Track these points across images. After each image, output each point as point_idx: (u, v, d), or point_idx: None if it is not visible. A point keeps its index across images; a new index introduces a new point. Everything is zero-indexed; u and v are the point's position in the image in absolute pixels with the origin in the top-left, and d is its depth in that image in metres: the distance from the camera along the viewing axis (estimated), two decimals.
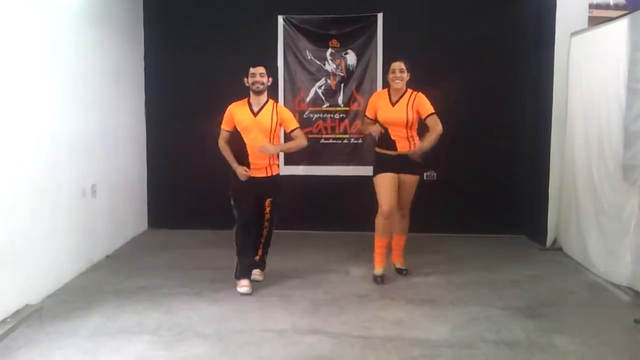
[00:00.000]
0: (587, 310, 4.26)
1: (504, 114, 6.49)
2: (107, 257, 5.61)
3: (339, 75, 6.69)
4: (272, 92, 6.47)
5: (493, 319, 4.05)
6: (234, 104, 4.77)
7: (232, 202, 4.73)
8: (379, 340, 3.69)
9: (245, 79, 4.70)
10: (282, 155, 6.59)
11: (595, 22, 5.79)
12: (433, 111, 4.76)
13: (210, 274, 5.05)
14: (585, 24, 5.76)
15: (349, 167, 6.73)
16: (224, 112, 4.80)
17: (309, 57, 6.69)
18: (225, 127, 4.76)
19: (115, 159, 5.89)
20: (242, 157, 4.69)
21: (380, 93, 5.11)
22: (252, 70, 4.69)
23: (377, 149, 4.96)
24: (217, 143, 4.77)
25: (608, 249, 4.84)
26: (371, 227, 6.10)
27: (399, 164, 4.81)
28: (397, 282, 4.89)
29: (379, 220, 4.89)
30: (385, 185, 4.83)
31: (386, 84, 6.24)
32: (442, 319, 4.06)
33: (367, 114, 5.00)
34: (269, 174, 4.73)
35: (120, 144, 6.05)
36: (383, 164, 4.89)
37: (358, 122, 6.69)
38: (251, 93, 4.72)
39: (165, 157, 6.77)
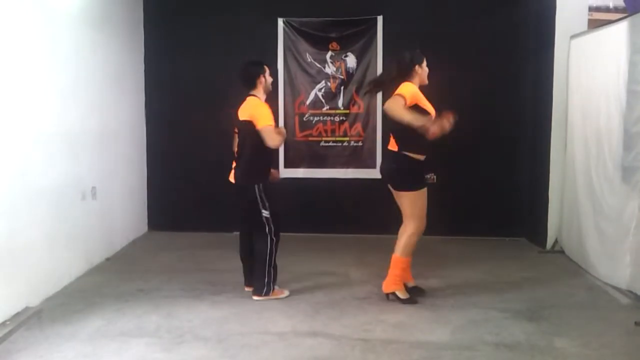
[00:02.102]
0: (587, 313, 4.25)
1: (504, 116, 6.50)
2: (107, 259, 5.60)
3: (339, 77, 6.69)
4: (272, 94, 6.47)
5: (493, 321, 4.05)
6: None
7: (268, 211, 4.40)
8: (379, 343, 3.69)
9: (263, 77, 4.48)
10: (282, 157, 6.62)
11: (595, 24, 5.79)
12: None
13: (210, 276, 5.05)
14: (585, 27, 5.76)
15: (349, 170, 6.73)
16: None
17: (309, 60, 6.70)
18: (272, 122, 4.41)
19: (115, 161, 5.90)
20: (271, 162, 4.59)
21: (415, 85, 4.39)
22: (268, 70, 4.56)
23: (413, 155, 4.28)
24: (277, 141, 4.42)
25: (608, 252, 4.83)
26: (371, 229, 6.13)
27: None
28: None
29: (415, 240, 4.37)
30: (426, 199, 4.38)
31: (387, 86, 6.22)
32: (442, 321, 4.06)
33: (409, 102, 4.15)
34: None
35: (120, 146, 6.05)
36: (422, 174, 4.37)
37: (358, 125, 6.70)
38: (263, 93, 4.53)
39: (165, 159, 6.77)
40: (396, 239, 4.45)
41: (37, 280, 4.32)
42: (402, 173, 4.34)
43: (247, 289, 4.64)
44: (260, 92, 4.53)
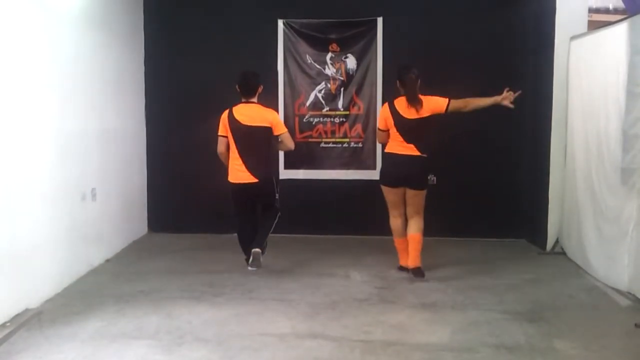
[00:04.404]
0: (588, 315, 4.26)
1: (504, 117, 6.44)
2: (107, 261, 5.60)
3: (339, 79, 6.69)
4: (272, 96, 6.51)
5: (493, 323, 4.05)
6: None
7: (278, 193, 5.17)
8: (379, 345, 3.69)
9: (261, 87, 5.05)
10: (282, 158, 6.63)
11: (594, 26, 5.80)
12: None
13: (210, 278, 5.05)
14: (584, 28, 5.76)
15: (349, 171, 6.73)
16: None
17: (309, 61, 6.70)
18: None
19: (115, 162, 5.89)
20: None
21: None
22: None
23: (427, 157, 5.03)
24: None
25: (607, 253, 4.83)
26: (371, 230, 6.14)
27: None
28: (398, 286, 4.88)
29: None
30: None
31: (387, 88, 6.26)
32: (443, 323, 4.06)
33: None
34: None
35: (120, 147, 6.05)
36: None
37: (358, 126, 6.71)
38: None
39: (165, 161, 6.77)
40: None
41: (37, 281, 4.32)
42: (426, 174, 4.98)
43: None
44: (256, 100, 5.02)
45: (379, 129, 5.18)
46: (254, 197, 5.07)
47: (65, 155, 4.80)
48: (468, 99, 4.97)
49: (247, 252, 4.98)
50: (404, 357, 3.51)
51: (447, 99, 4.91)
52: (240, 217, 5.12)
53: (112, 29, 5.85)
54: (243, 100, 5.01)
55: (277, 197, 5.14)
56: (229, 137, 4.97)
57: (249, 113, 4.95)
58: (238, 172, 4.96)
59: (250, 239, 5.00)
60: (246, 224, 5.10)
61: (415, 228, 5.07)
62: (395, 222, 5.16)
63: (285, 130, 5.09)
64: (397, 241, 5.22)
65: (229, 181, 5.03)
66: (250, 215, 5.13)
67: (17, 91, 4.07)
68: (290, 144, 5.12)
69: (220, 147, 5.05)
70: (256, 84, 5.00)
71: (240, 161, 4.95)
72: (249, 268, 4.90)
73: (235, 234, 5.21)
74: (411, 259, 5.06)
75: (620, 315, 4.24)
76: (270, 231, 5.11)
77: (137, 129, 6.60)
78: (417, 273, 5.03)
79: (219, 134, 5.03)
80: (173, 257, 5.86)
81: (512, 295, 4.67)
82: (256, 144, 4.93)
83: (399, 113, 4.92)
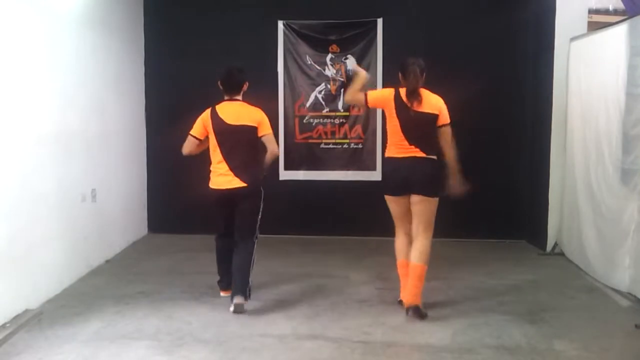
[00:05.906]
0: (588, 315, 4.26)
1: (504, 119, 6.50)
2: (107, 262, 5.60)
3: (339, 80, 6.70)
4: (272, 97, 6.52)
5: (493, 324, 4.05)
6: None
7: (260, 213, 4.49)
8: (379, 346, 3.69)
9: (246, 84, 4.51)
10: (282, 159, 6.62)
11: (594, 27, 5.80)
12: None
13: (210, 278, 5.02)
14: (584, 29, 5.77)
15: (349, 172, 6.73)
16: None
17: (309, 62, 6.70)
18: None
19: (115, 163, 5.90)
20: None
21: None
22: None
23: (439, 159, 4.28)
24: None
25: (607, 254, 4.83)
26: (371, 231, 6.11)
27: None
28: (398, 287, 4.87)
29: None
30: None
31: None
32: (443, 324, 4.05)
33: None
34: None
35: (120, 148, 6.05)
36: None
37: (358, 127, 6.71)
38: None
39: (165, 162, 6.75)
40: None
41: (37, 282, 4.31)
42: (435, 178, 4.23)
43: (224, 293, 4.52)
44: (241, 98, 4.50)
45: (365, 95, 4.41)
46: (238, 207, 4.42)
47: (65, 156, 4.80)
48: (447, 147, 4.31)
49: (225, 276, 4.51)
50: (404, 358, 3.52)
51: (449, 122, 4.28)
52: (222, 232, 4.55)
53: (112, 29, 5.85)
54: (226, 97, 4.45)
55: (260, 217, 4.47)
56: (211, 138, 4.42)
57: (235, 111, 4.39)
58: (222, 177, 4.37)
59: (228, 262, 4.46)
60: (227, 240, 4.51)
61: (417, 254, 4.20)
62: (398, 241, 4.38)
63: (270, 132, 4.45)
64: (400, 263, 4.36)
65: (210, 188, 4.47)
66: (230, 234, 4.50)
67: (17, 91, 4.07)
68: (274, 147, 4.44)
69: (188, 147, 4.53)
70: (241, 80, 4.46)
71: (224, 164, 4.36)
72: (233, 309, 4.24)
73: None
74: (408, 295, 4.18)
75: (621, 316, 4.24)
76: (252, 267, 4.39)
77: (137, 129, 6.60)
78: (415, 313, 4.12)
79: (191, 132, 4.49)
80: (173, 257, 5.86)
81: (513, 296, 4.67)
82: (243, 145, 4.36)
83: (404, 103, 4.20)
